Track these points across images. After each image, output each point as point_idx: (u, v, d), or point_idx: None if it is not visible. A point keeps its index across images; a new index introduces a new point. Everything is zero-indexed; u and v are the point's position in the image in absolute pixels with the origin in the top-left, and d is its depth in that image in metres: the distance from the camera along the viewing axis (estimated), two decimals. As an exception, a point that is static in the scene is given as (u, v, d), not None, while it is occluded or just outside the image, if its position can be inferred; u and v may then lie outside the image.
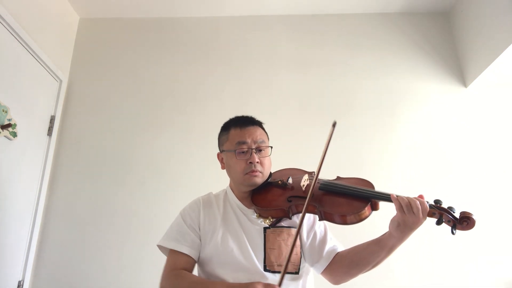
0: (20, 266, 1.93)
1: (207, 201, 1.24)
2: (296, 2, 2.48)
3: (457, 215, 0.97)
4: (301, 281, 1.12)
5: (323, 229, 1.21)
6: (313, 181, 1.02)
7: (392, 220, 1.00)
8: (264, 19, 2.56)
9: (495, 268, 1.93)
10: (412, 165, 2.16)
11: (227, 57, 2.47)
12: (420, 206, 0.95)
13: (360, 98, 2.31)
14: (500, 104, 2.26)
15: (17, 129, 1.89)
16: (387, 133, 2.23)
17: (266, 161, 1.18)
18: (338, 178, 1.19)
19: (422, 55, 2.41)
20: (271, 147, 1.22)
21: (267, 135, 1.27)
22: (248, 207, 1.19)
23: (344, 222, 1.02)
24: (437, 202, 1.01)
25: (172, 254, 1.13)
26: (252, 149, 1.16)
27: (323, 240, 1.17)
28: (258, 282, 0.94)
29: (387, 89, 2.34)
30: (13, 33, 1.88)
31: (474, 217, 0.93)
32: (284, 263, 0.95)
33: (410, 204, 0.95)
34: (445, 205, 1.00)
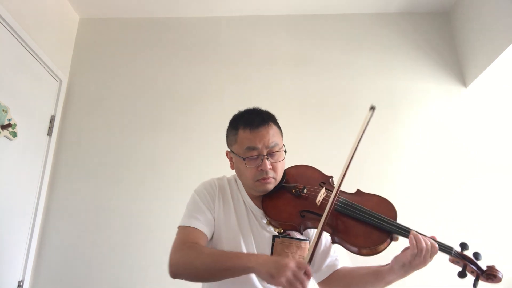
0: (20, 266, 1.93)
1: (222, 187, 1.15)
2: (296, 2, 2.48)
3: (482, 265, 0.89)
4: None
5: (329, 240, 1.11)
6: (331, 201, 0.93)
7: (397, 259, 0.93)
8: (264, 19, 2.56)
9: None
10: (412, 165, 2.16)
11: (227, 57, 2.46)
12: (431, 250, 0.89)
13: (360, 98, 2.31)
14: (500, 104, 2.27)
15: (17, 129, 1.88)
16: (387, 133, 2.23)
17: (279, 165, 1.07)
18: (358, 192, 1.07)
19: (422, 55, 2.41)
20: (285, 150, 1.10)
21: (280, 131, 1.15)
22: (259, 206, 1.10)
23: (359, 254, 0.94)
24: (463, 247, 0.92)
25: (183, 229, 1.05)
26: (263, 155, 1.03)
27: (326, 252, 1.11)
28: (289, 259, 0.86)
29: (387, 89, 2.34)
30: (13, 33, 1.87)
31: (500, 275, 0.85)
32: (313, 242, 0.89)
33: (429, 250, 0.89)
34: (471, 250, 0.91)
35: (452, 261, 0.90)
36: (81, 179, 2.19)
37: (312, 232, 1.10)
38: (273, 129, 1.08)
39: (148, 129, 2.29)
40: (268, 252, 1.05)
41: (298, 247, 1.06)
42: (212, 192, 1.13)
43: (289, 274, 0.81)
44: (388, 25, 2.51)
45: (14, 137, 1.86)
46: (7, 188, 1.84)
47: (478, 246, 1.95)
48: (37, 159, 2.10)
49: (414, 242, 0.89)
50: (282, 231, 1.04)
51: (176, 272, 0.99)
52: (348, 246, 0.94)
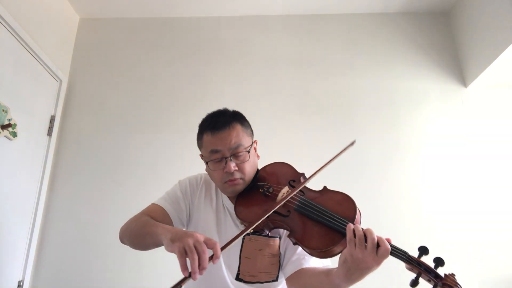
0: (20, 266, 1.93)
1: (208, 183, 1.17)
2: (296, 2, 2.47)
3: (441, 272, 0.77)
4: (281, 286, 1.10)
5: None
6: (282, 199, 0.91)
7: (341, 254, 0.84)
8: (264, 19, 2.56)
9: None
10: (412, 165, 2.15)
11: (227, 57, 2.46)
12: (376, 242, 0.77)
13: (360, 98, 2.31)
14: (500, 104, 2.27)
15: (17, 129, 1.88)
16: (387, 133, 2.23)
17: (245, 165, 1.04)
18: (324, 189, 1.02)
19: (422, 55, 2.41)
20: (249, 150, 1.06)
21: (249, 129, 1.12)
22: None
23: (315, 256, 0.90)
24: (423, 251, 0.80)
25: (150, 205, 1.11)
26: (226, 157, 1.02)
27: (294, 249, 1.07)
28: (199, 234, 0.81)
29: (387, 89, 2.34)
30: (13, 33, 1.87)
31: (458, 287, 0.74)
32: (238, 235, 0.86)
33: (365, 236, 0.78)
34: (430, 256, 0.79)
35: (408, 268, 0.79)
36: (81, 179, 2.19)
37: (282, 231, 1.08)
38: (236, 130, 1.06)
39: (148, 129, 2.29)
40: (238, 250, 1.05)
41: (267, 244, 1.05)
42: (194, 185, 1.16)
43: (190, 241, 0.77)
44: (389, 25, 2.50)
45: (14, 137, 1.86)
46: (7, 188, 1.84)
47: (480, 246, 1.96)
48: (37, 159, 2.10)
49: (352, 228, 0.81)
50: (251, 230, 1.04)
51: (120, 235, 1.10)
52: (303, 248, 0.91)
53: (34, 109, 2.07)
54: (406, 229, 2.00)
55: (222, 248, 0.80)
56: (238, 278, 1.05)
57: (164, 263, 1.93)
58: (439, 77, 2.35)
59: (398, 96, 2.32)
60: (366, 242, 0.77)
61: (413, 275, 0.78)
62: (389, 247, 0.77)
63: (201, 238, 0.79)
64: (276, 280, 1.07)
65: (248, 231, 0.89)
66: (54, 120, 2.23)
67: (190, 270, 0.74)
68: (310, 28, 2.53)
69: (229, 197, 1.13)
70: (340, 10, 2.53)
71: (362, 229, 0.80)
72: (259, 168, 1.16)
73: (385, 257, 0.77)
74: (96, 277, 1.99)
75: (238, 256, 1.06)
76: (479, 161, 2.13)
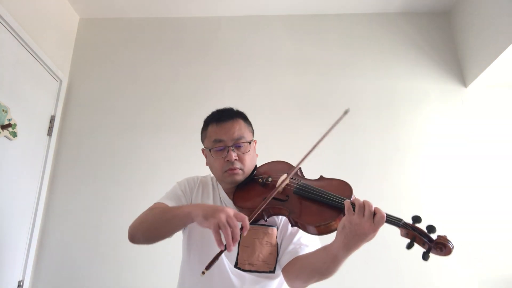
0: (20, 266, 1.93)
1: (205, 182, 1.23)
2: (296, 2, 2.47)
3: (433, 236, 0.83)
4: (278, 280, 1.11)
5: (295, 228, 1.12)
6: (282, 182, 0.97)
7: (340, 222, 0.89)
8: (264, 19, 2.56)
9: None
10: (412, 165, 2.15)
11: (227, 57, 2.46)
12: (373, 210, 0.83)
13: (360, 98, 2.31)
14: (500, 104, 2.27)
15: (17, 129, 1.89)
16: (387, 133, 2.23)
17: (246, 157, 1.11)
18: (321, 178, 1.10)
19: (422, 55, 2.41)
20: (250, 142, 1.13)
21: (251, 127, 1.20)
22: (231, 199, 1.16)
23: (315, 233, 0.94)
24: (416, 219, 0.85)
25: (154, 204, 1.13)
26: (229, 146, 1.09)
27: (290, 239, 1.10)
28: (228, 208, 0.87)
29: (387, 89, 2.34)
30: (13, 33, 1.88)
31: (451, 245, 0.80)
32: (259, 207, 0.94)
33: (364, 205, 0.84)
34: (424, 224, 0.84)
35: (403, 235, 0.85)
36: (81, 179, 2.19)
37: (280, 219, 1.13)
38: (239, 124, 1.14)
39: (148, 129, 2.29)
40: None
41: (265, 233, 1.09)
42: (192, 184, 1.21)
43: (222, 217, 0.82)
44: (388, 25, 2.50)
45: (14, 137, 1.86)
46: (7, 188, 1.84)
47: (480, 246, 1.96)
48: (37, 159, 2.10)
49: (349, 202, 0.87)
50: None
51: (131, 232, 1.06)
52: (304, 225, 0.96)
53: (34, 109, 2.07)
54: (406, 229, 2.00)
55: (249, 220, 0.86)
56: (236, 267, 1.07)
57: (164, 263, 1.93)
58: (439, 77, 2.35)
59: (398, 96, 2.32)
60: (364, 210, 0.83)
61: (407, 241, 0.84)
62: (385, 214, 0.84)
63: (231, 212, 0.85)
64: (273, 272, 1.09)
65: (265, 203, 0.94)
66: (54, 120, 2.23)
67: (224, 243, 0.82)
68: (310, 28, 2.52)
69: (226, 192, 1.17)
70: (340, 10, 2.53)
71: (362, 200, 0.86)
72: (256, 165, 1.21)
73: (381, 223, 0.83)
74: (96, 277, 1.99)
75: (237, 245, 1.08)
76: (479, 161, 2.13)
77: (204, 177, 1.26)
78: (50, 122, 2.21)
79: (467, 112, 2.25)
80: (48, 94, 2.22)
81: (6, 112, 1.81)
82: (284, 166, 1.18)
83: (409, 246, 0.83)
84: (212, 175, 1.24)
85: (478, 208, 2.03)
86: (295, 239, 1.09)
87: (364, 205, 0.84)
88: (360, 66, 2.40)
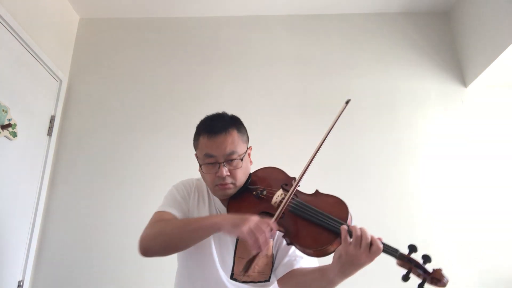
0: (20, 266, 1.93)
1: (200, 188, 1.20)
2: (296, 2, 2.47)
3: (429, 268, 0.83)
4: (272, 287, 1.12)
5: None
6: (283, 204, 0.95)
7: (336, 250, 0.91)
8: (264, 19, 2.56)
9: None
10: (412, 165, 2.15)
11: (227, 57, 2.46)
12: (369, 241, 0.83)
13: (360, 98, 2.31)
14: (500, 104, 2.26)
15: (17, 129, 1.88)
16: (387, 133, 2.23)
17: (238, 172, 1.06)
18: (316, 193, 1.07)
19: (422, 55, 2.41)
20: (242, 158, 1.08)
21: (245, 136, 1.14)
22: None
23: (311, 255, 0.95)
24: (412, 249, 0.85)
25: (157, 213, 1.11)
26: (220, 163, 1.04)
27: (286, 251, 1.10)
28: (253, 216, 0.89)
29: (387, 89, 2.34)
30: (13, 33, 1.87)
31: (445, 280, 0.82)
32: (296, 181, 0.98)
33: (361, 237, 0.84)
34: (419, 254, 0.85)
35: (399, 265, 0.85)
36: (81, 179, 2.19)
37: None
38: (232, 137, 1.07)
39: (148, 128, 2.29)
40: (232, 252, 1.09)
41: None
42: (189, 188, 1.19)
43: (252, 223, 0.86)
44: (388, 25, 2.50)
45: (14, 137, 1.86)
46: (7, 188, 1.84)
47: (480, 246, 1.96)
48: (37, 159, 2.10)
49: (346, 229, 0.87)
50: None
51: (146, 245, 1.02)
52: (299, 247, 0.96)
53: (34, 109, 2.07)
54: (406, 229, 2.00)
55: (274, 223, 0.90)
56: (232, 278, 1.08)
57: (163, 263, 1.93)
58: (439, 77, 2.35)
59: (398, 96, 2.32)
60: (360, 241, 0.84)
61: (404, 271, 0.84)
62: (381, 245, 0.84)
63: (259, 219, 0.89)
64: (269, 280, 1.09)
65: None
66: (54, 120, 2.23)
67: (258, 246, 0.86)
68: (310, 28, 2.52)
69: (221, 200, 1.16)
70: (340, 10, 2.53)
71: (359, 228, 0.86)
72: (251, 173, 1.17)
73: (377, 254, 0.84)
74: (96, 277, 1.99)
75: (233, 257, 1.08)
76: (479, 161, 2.13)
77: (198, 180, 1.23)
78: (50, 122, 2.21)
79: (467, 112, 2.25)
80: (48, 94, 2.22)
81: (6, 112, 1.81)
82: (278, 175, 1.15)
83: (405, 278, 0.84)
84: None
85: (478, 208, 2.04)
86: (290, 251, 1.09)
87: (361, 236, 0.84)
88: (360, 66, 2.40)
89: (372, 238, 0.84)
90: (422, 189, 2.10)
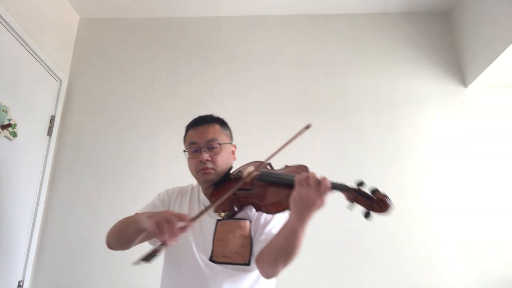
0: (20, 266, 1.93)
1: (184, 191, 1.31)
2: (296, 2, 2.48)
3: (372, 195, 0.90)
4: (253, 274, 1.13)
5: (264, 219, 1.17)
6: (252, 173, 1.06)
7: (291, 196, 0.95)
8: (264, 19, 2.56)
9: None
10: (412, 165, 2.15)
11: (227, 57, 2.46)
12: (318, 179, 0.90)
13: (360, 98, 2.31)
14: (500, 104, 2.27)
15: (17, 129, 1.89)
16: (387, 133, 2.23)
17: (218, 158, 1.19)
18: (286, 166, 1.21)
19: (422, 55, 2.41)
20: (222, 144, 1.21)
21: (228, 131, 1.28)
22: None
23: (274, 211, 1.03)
24: (360, 184, 0.92)
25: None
26: (201, 148, 1.19)
27: (262, 229, 1.14)
28: (171, 210, 1.02)
29: (387, 89, 2.34)
30: (13, 33, 1.88)
31: (388, 200, 0.87)
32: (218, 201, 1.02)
33: (308, 176, 0.91)
34: (366, 187, 0.91)
35: (347, 198, 0.91)
36: (81, 179, 2.19)
37: (253, 213, 1.18)
38: (214, 128, 1.23)
39: (148, 129, 2.29)
40: (212, 235, 1.15)
41: (238, 226, 1.14)
42: (171, 194, 1.31)
43: (163, 215, 0.89)
44: (388, 25, 2.50)
45: (14, 137, 1.86)
46: (7, 188, 1.84)
47: (480, 246, 1.96)
48: (37, 159, 2.10)
49: (298, 176, 0.94)
50: (222, 214, 1.15)
51: (106, 240, 1.22)
52: (264, 206, 1.04)
53: (34, 109, 2.07)
54: (406, 229, 2.00)
55: (192, 220, 0.91)
56: (211, 260, 1.12)
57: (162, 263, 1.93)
58: (439, 77, 2.35)
59: (398, 96, 2.32)
60: (309, 180, 0.90)
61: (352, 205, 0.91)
62: (329, 183, 0.91)
63: (171, 212, 0.91)
64: (248, 264, 1.11)
65: (213, 206, 1.03)
66: (54, 120, 2.23)
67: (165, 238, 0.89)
68: (310, 28, 2.52)
69: (205, 193, 1.26)
70: (340, 10, 2.53)
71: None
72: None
73: (326, 191, 0.90)
74: (96, 277, 1.99)
75: (212, 240, 1.14)
76: (479, 161, 2.13)
77: (184, 186, 1.34)
78: (50, 122, 2.21)
79: (467, 112, 2.25)
80: (48, 94, 2.22)
81: (6, 112, 1.81)
82: (256, 162, 1.26)
83: (350, 207, 0.90)
84: (193, 184, 1.34)
85: (478, 208, 2.03)
86: (266, 230, 1.13)
87: (309, 176, 0.91)
88: (360, 66, 2.40)
89: (321, 177, 0.91)
90: (422, 188, 2.10)
